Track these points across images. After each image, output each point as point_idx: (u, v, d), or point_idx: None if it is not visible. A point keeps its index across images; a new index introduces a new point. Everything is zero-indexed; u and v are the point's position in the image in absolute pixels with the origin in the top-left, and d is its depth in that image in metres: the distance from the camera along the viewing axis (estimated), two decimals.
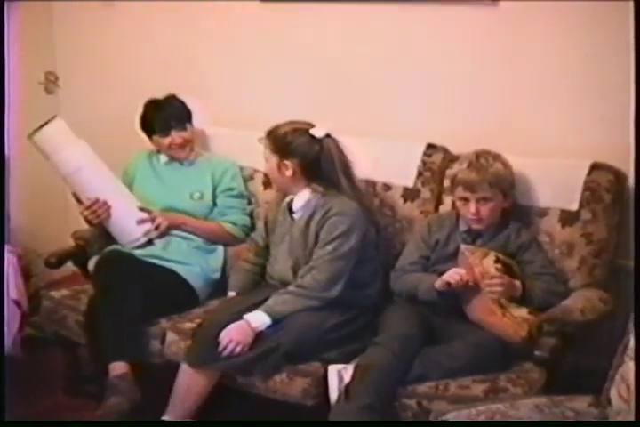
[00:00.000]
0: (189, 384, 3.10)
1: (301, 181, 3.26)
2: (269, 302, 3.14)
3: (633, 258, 2.52)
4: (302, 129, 3.24)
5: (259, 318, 3.08)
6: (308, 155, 3.21)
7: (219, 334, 3.05)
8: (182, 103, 3.79)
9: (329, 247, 3.15)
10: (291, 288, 3.16)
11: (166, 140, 3.73)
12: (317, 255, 3.18)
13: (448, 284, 2.98)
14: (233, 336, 3.03)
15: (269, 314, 3.08)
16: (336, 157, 3.24)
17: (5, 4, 3.52)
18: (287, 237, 3.31)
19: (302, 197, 3.28)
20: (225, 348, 3.02)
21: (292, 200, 3.33)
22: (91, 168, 3.51)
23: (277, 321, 3.08)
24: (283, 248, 3.33)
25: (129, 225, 3.56)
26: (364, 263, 3.23)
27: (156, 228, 3.57)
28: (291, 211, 3.33)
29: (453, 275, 2.99)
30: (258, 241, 3.51)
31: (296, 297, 3.13)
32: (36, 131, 3.42)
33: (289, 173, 3.23)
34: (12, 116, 3.58)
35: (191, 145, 3.80)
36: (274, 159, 3.24)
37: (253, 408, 3.22)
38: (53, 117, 3.48)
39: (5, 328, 3.46)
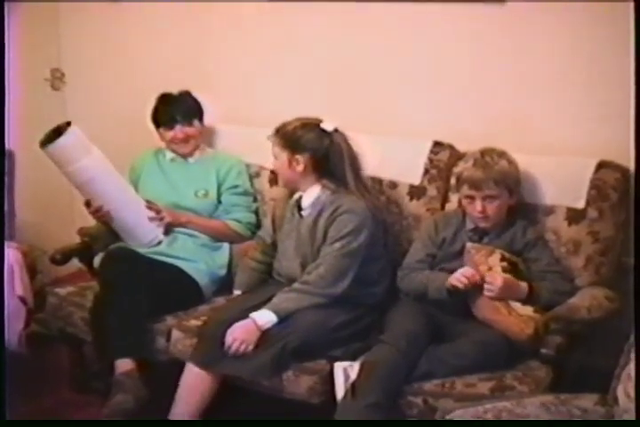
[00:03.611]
0: (194, 384, 3.09)
1: (311, 176, 3.26)
2: (275, 299, 3.13)
3: (633, 255, 2.52)
4: (312, 123, 3.24)
5: (265, 317, 3.07)
6: (318, 149, 3.21)
7: (225, 333, 3.04)
8: (194, 100, 3.81)
9: (337, 245, 3.15)
10: (296, 285, 3.16)
11: (169, 134, 3.74)
12: (325, 252, 3.17)
13: (456, 288, 2.99)
14: (238, 335, 3.02)
15: (275, 312, 3.08)
16: (345, 151, 3.24)
17: (6, 2, 3.51)
18: (294, 234, 3.31)
19: (312, 194, 3.28)
20: (230, 347, 3.01)
21: (300, 197, 3.32)
22: (103, 179, 3.50)
23: (283, 319, 3.08)
24: (290, 245, 3.32)
25: (140, 231, 3.58)
26: (372, 261, 3.23)
27: (160, 219, 3.58)
28: (299, 208, 3.32)
29: (461, 279, 2.99)
30: (265, 239, 3.51)
31: (301, 294, 3.13)
32: (46, 139, 3.36)
33: (300, 167, 3.23)
34: (18, 112, 3.58)
35: (195, 142, 3.79)
36: (284, 155, 3.24)
37: (259, 406, 3.22)
38: (67, 125, 3.41)
39: (9, 325, 3.46)
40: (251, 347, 3.02)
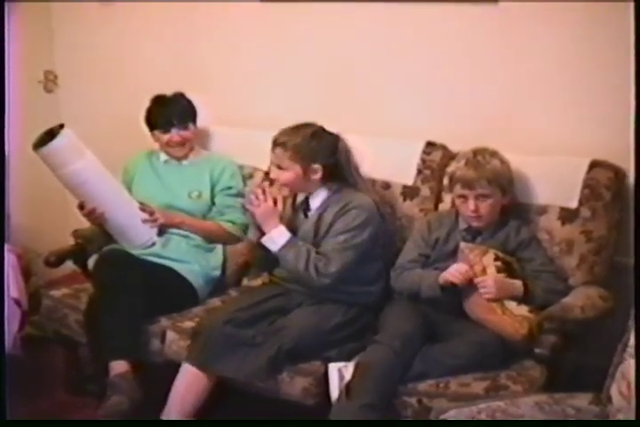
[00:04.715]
0: (190, 384, 3.10)
1: (320, 181, 3.27)
2: (295, 247, 3.21)
3: (633, 255, 2.52)
4: (318, 131, 3.25)
5: (279, 237, 3.22)
6: (332, 155, 3.24)
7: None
8: (189, 102, 3.80)
9: (341, 237, 3.16)
10: (311, 260, 3.15)
11: (165, 137, 3.74)
12: (329, 244, 3.19)
13: (452, 283, 2.99)
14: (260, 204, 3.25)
15: (283, 249, 3.20)
16: (350, 154, 3.28)
17: (5, 3, 3.51)
18: (297, 234, 3.30)
19: (319, 196, 3.30)
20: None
21: (306, 199, 3.35)
22: (96, 181, 3.49)
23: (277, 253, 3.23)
24: None
25: (133, 233, 3.58)
26: (372, 260, 3.24)
27: (154, 221, 3.58)
28: (305, 210, 3.34)
29: (456, 274, 3.00)
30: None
31: (305, 269, 3.15)
32: (39, 141, 3.35)
33: (318, 175, 3.25)
34: (12, 114, 3.57)
35: (190, 144, 3.80)
36: (297, 167, 3.22)
37: (254, 407, 3.21)
38: (60, 127, 3.39)
39: (6, 327, 3.45)
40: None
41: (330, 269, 3.14)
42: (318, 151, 3.22)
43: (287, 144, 3.22)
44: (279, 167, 3.27)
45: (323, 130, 3.26)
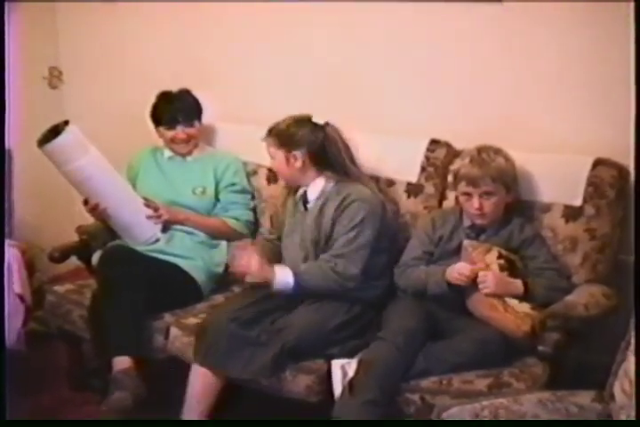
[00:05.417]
0: (205, 385, 3.09)
1: (312, 170, 3.28)
2: (303, 266, 3.19)
3: (634, 253, 2.52)
4: (303, 119, 3.28)
5: (286, 276, 3.16)
6: (313, 142, 3.24)
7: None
8: (194, 99, 3.81)
9: (351, 234, 3.16)
10: (326, 269, 3.15)
11: (170, 134, 3.74)
12: (340, 244, 3.18)
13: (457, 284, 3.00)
14: (252, 265, 3.16)
15: (297, 276, 3.15)
16: (340, 143, 3.28)
17: (5, 2, 3.51)
18: (299, 228, 3.31)
19: (317, 187, 3.30)
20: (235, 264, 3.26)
21: (305, 192, 3.34)
22: (101, 177, 3.50)
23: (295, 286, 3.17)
24: (295, 239, 3.33)
25: (138, 229, 3.59)
26: (379, 253, 3.24)
27: (158, 217, 3.59)
28: (305, 202, 3.34)
29: (459, 277, 3.00)
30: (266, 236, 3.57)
31: (327, 280, 3.15)
32: (45, 138, 3.35)
33: (298, 163, 3.25)
34: (16, 110, 3.58)
35: (195, 141, 3.80)
36: (281, 154, 3.26)
37: (256, 405, 3.22)
38: (65, 124, 3.39)
39: (9, 323, 3.46)
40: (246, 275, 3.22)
41: (352, 271, 3.15)
42: (297, 138, 3.24)
43: (272, 131, 3.29)
44: (271, 156, 3.32)
45: (308, 119, 3.28)
